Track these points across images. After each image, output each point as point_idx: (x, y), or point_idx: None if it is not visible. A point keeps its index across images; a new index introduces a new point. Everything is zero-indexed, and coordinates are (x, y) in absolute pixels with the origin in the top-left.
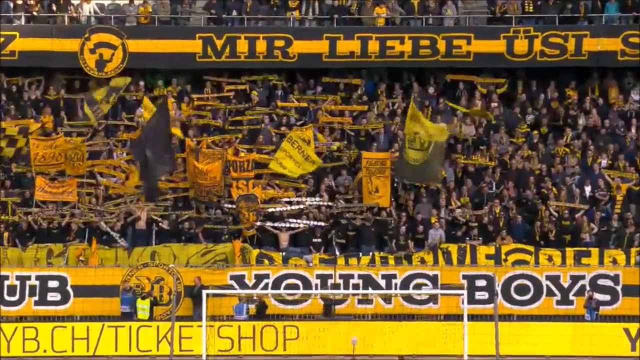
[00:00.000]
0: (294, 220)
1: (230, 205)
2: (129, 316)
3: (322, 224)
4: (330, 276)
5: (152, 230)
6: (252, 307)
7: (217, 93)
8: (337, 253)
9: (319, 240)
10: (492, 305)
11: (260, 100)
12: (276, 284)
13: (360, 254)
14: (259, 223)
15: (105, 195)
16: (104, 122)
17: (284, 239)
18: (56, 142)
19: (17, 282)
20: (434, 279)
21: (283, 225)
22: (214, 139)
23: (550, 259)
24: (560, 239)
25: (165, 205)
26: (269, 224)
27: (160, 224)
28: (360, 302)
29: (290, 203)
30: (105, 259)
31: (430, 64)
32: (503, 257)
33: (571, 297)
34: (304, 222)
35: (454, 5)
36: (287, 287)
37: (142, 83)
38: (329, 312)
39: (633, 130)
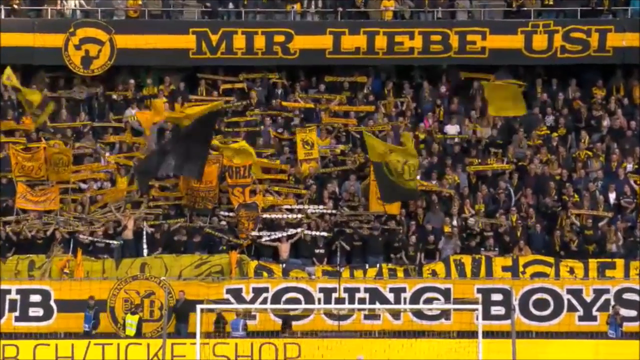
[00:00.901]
0: (294, 231)
1: (226, 214)
2: (89, 334)
3: (325, 233)
4: (334, 289)
5: (141, 240)
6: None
7: (212, 92)
8: (342, 265)
9: (322, 250)
10: (509, 321)
11: (259, 100)
12: (276, 298)
13: (367, 265)
14: (257, 232)
15: (93, 203)
16: (89, 124)
17: (284, 249)
18: (37, 155)
19: None
20: (446, 293)
21: (283, 234)
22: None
23: (571, 271)
24: (582, 250)
25: (156, 213)
26: (266, 235)
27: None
28: (366, 317)
29: (290, 211)
30: (91, 271)
31: (442, 61)
32: (521, 269)
33: (594, 313)
34: (306, 231)
35: None
36: (288, 301)
37: (132, 81)
38: (285, 328)
39: None
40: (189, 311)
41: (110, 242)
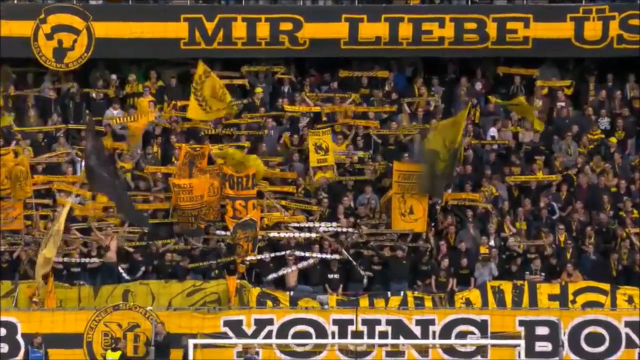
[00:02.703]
0: (303, 254)
1: (222, 232)
2: None
3: (338, 256)
4: (350, 322)
5: (125, 264)
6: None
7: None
8: (360, 292)
9: (337, 276)
10: (556, 359)
11: (262, 99)
12: (282, 332)
13: (389, 293)
14: (256, 255)
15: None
16: (63, 127)
17: (292, 274)
18: (3, 168)
19: None
20: (482, 326)
21: (289, 256)
22: (203, 147)
23: (630, 300)
24: None
25: (141, 232)
26: (272, 255)
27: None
28: (388, 354)
29: (299, 229)
30: (65, 299)
31: (478, 53)
32: (570, 297)
33: None
34: (317, 254)
35: None
36: (296, 335)
37: (113, 77)
38: None
39: None
40: (170, 346)
41: (89, 260)
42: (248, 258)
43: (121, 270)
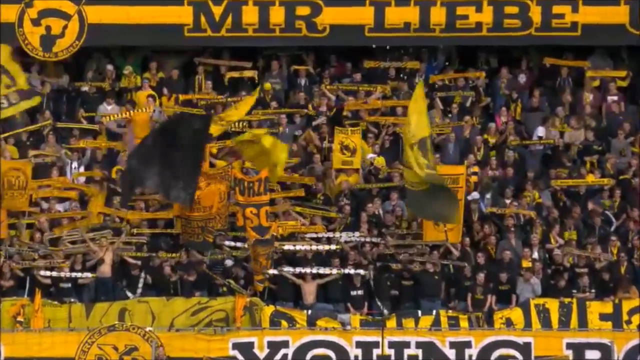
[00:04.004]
0: (322, 268)
1: (231, 243)
2: None
3: (362, 271)
4: (376, 344)
5: (122, 278)
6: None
7: (214, 82)
8: (386, 311)
9: (360, 292)
10: None
11: (276, 93)
12: (299, 356)
13: (420, 312)
14: (272, 270)
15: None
16: (51, 124)
17: (310, 290)
18: None
19: None
20: (525, 349)
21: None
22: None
23: None
24: None
25: (140, 242)
26: (286, 269)
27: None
28: None
29: (318, 240)
30: (54, 319)
31: (520, 41)
32: (625, 317)
33: None
34: (338, 268)
35: None
36: (315, 359)
37: (109, 67)
38: None
39: None
40: None
41: (81, 275)
42: (270, 271)
43: (128, 294)
